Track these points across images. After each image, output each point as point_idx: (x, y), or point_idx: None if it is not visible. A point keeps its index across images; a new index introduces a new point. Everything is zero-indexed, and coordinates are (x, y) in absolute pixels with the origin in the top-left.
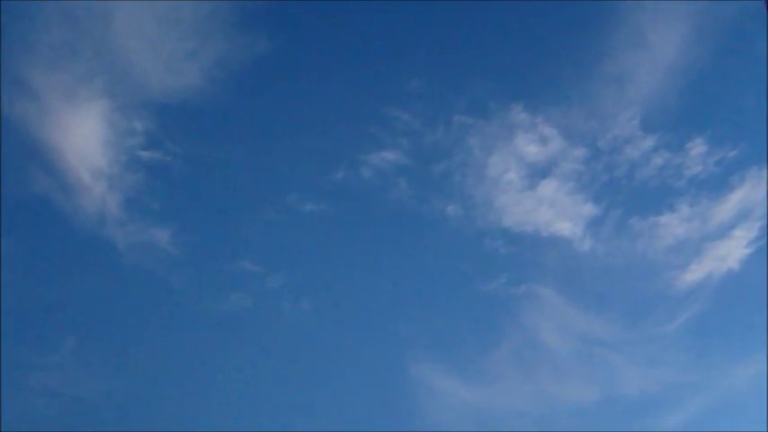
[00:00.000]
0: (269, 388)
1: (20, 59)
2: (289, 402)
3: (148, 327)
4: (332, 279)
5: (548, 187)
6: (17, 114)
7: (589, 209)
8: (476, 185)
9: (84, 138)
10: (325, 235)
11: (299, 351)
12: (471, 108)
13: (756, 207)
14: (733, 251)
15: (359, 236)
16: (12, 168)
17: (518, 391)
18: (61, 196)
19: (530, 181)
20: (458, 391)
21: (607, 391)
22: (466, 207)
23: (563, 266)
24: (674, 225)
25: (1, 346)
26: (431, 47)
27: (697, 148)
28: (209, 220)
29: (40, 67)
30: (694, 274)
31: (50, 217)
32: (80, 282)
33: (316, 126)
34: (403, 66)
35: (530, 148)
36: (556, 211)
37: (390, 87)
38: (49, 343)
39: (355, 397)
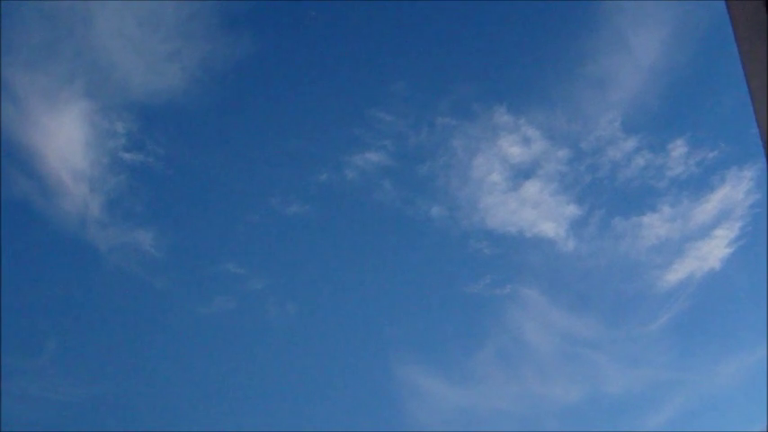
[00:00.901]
0: (253, 390)
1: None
2: (274, 404)
3: (131, 330)
4: (316, 281)
5: (531, 188)
6: None
7: (572, 210)
8: (460, 187)
9: (64, 139)
10: (310, 237)
11: (284, 353)
12: (455, 110)
13: (736, 207)
14: (714, 251)
15: (343, 238)
16: None
17: (503, 392)
18: (42, 199)
19: (513, 182)
20: (443, 391)
21: (591, 391)
22: (450, 208)
23: (547, 267)
24: (656, 225)
25: None
26: (414, 48)
27: (678, 149)
28: (193, 223)
29: (19, 67)
30: (676, 273)
31: (31, 220)
32: (61, 285)
33: (299, 128)
34: (386, 67)
35: (513, 150)
36: (539, 212)
37: (374, 89)
38: (29, 347)
39: (341, 398)
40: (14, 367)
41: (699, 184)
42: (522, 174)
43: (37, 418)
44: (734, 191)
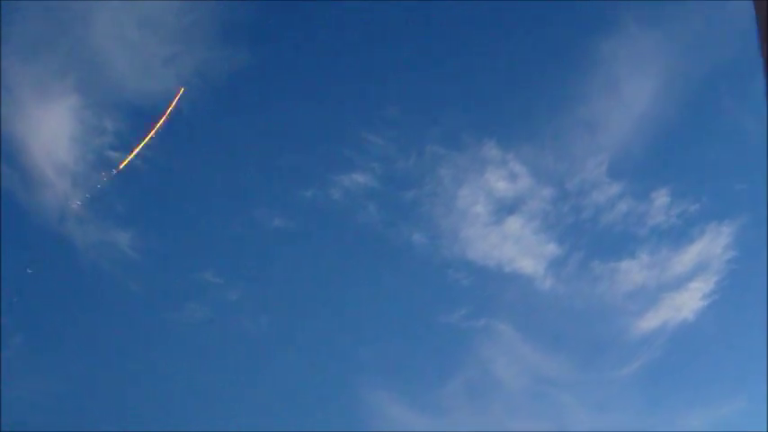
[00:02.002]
0: (217, 400)
1: None
2: (236, 414)
3: (100, 330)
4: (293, 297)
5: (514, 224)
6: None
7: (552, 249)
8: (443, 216)
9: (52, 132)
10: (291, 252)
11: (253, 366)
12: (445, 139)
13: (714, 261)
14: (688, 302)
15: (324, 256)
16: None
17: (469, 424)
18: (23, 189)
19: (497, 216)
20: (409, 418)
21: (556, 431)
22: (432, 236)
23: (522, 303)
24: (633, 272)
25: None
26: (410, 76)
27: (661, 198)
28: (173, 228)
29: (13, 58)
30: (650, 321)
31: (9, 209)
32: (34, 278)
33: (289, 143)
34: (381, 91)
35: (499, 184)
36: (520, 248)
37: (367, 111)
38: None
39: (305, 416)
40: None
41: (678, 235)
42: (505, 208)
43: None
44: (712, 245)
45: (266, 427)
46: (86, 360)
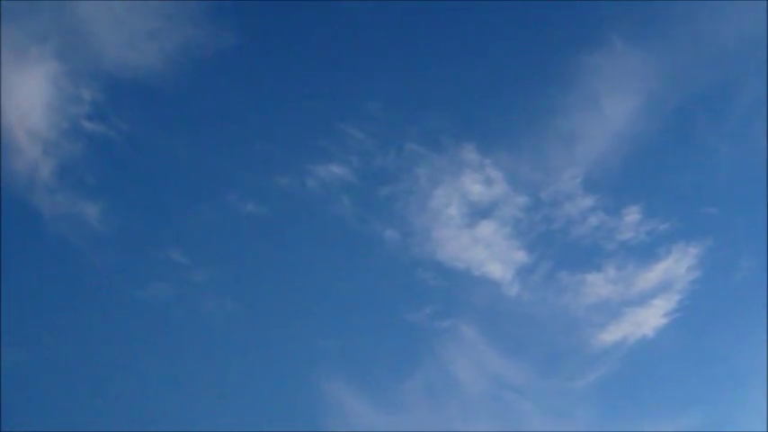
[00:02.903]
0: (173, 380)
1: None
2: (191, 397)
3: (65, 303)
4: (259, 282)
5: (486, 228)
6: None
7: (521, 256)
8: (417, 214)
9: (26, 97)
10: (261, 238)
11: (214, 349)
12: (424, 139)
13: (678, 280)
14: (650, 319)
15: (294, 244)
16: None
17: (426, 423)
18: None
19: (470, 219)
20: (367, 414)
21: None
22: (403, 234)
23: (488, 307)
24: (598, 285)
25: None
26: (394, 72)
27: (631, 215)
28: (143, 204)
29: None
30: (611, 334)
31: None
32: None
33: (268, 128)
34: (365, 85)
35: (475, 188)
36: (490, 253)
37: (348, 103)
38: None
39: (262, 403)
40: None
41: (646, 252)
42: (479, 212)
43: None
44: (677, 264)
45: (221, 414)
46: (48, 331)
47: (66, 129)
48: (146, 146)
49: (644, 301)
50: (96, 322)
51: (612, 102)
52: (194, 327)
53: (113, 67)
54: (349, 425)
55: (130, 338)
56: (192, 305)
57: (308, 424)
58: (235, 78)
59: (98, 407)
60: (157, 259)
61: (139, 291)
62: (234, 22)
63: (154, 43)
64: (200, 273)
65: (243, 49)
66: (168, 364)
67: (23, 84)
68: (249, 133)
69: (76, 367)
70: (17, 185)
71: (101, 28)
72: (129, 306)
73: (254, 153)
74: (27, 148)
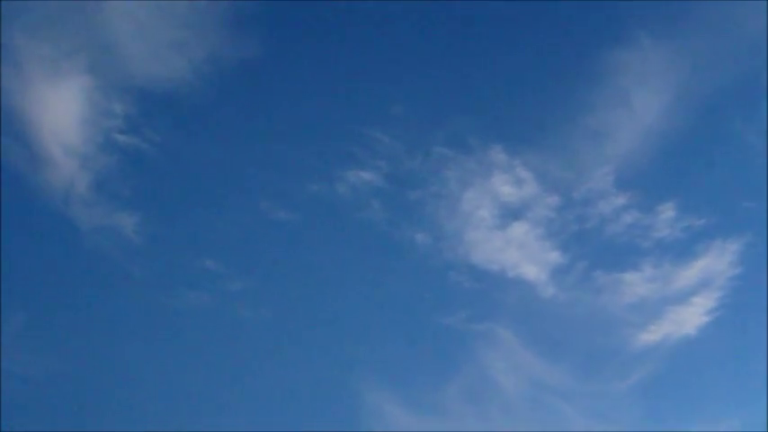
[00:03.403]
0: (213, 390)
1: (4, 24)
2: (232, 407)
3: (102, 312)
4: (294, 290)
5: (518, 229)
6: None
7: (556, 256)
8: (448, 217)
9: (60, 112)
10: (294, 245)
11: (252, 358)
12: (452, 141)
13: (717, 277)
14: (691, 317)
15: (327, 250)
16: None
17: (467, 427)
18: (29, 169)
19: (501, 221)
20: (407, 420)
21: None
22: (435, 238)
23: (524, 309)
24: (636, 284)
25: None
26: (420, 75)
27: (667, 212)
28: (177, 214)
29: (24, 34)
30: (651, 334)
31: (15, 188)
32: (37, 258)
33: (297, 135)
34: (390, 89)
35: (505, 189)
36: (523, 254)
37: (375, 108)
38: None
39: (302, 412)
40: None
41: (683, 249)
42: (510, 213)
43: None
44: (716, 261)
45: (260, 422)
46: (86, 340)
47: (100, 142)
48: (178, 156)
49: (684, 299)
50: (134, 332)
51: (642, 98)
52: (231, 335)
53: (143, 79)
54: (389, 429)
55: (168, 347)
56: (228, 313)
57: (348, 429)
58: (262, 86)
59: (136, 415)
60: (193, 268)
61: (176, 300)
62: (258, 30)
63: (181, 54)
64: (235, 281)
65: (268, 56)
66: (206, 372)
67: (57, 99)
68: (278, 140)
69: (115, 376)
70: (54, 199)
71: (128, 41)
72: (166, 315)
73: (284, 160)
74: (63, 163)
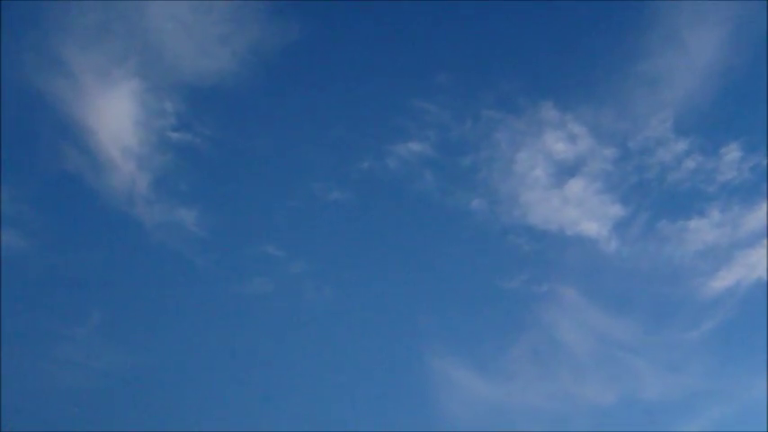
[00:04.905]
0: (287, 371)
1: (55, 38)
2: (305, 387)
3: (172, 305)
4: (354, 268)
5: (575, 186)
6: (52, 92)
7: (616, 210)
8: (502, 181)
9: (115, 117)
10: (349, 224)
11: (320, 337)
12: (500, 103)
13: None
14: (762, 260)
15: (382, 226)
16: (45, 145)
17: (535, 389)
18: (92, 174)
19: (557, 179)
20: (475, 385)
21: (626, 394)
22: (491, 202)
23: (586, 267)
24: (703, 230)
25: (19, 318)
26: (460, 40)
27: (731, 153)
28: (235, 204)
29: (74, 46)
30: (722, 281)
31: (81, 193)
32: (108, 258)
33: (343, 115)
34: (432, 58)
35: (558, 146)
36: (582, 211)
37: (419, 79)
38: (75, 315)
39: (373, 385)
40: (60, 334)
41: (751, 190)
42: (566, 171)
43: (80, 383)
44: None
45: (335, 396)
46: (160, 334)
47: (155, 142)
48: (230, 148)
49: (755, 241)
50: (203, 321)
51: (696, 37)
52: (297, 317)
53: (190, 76)
54: (458, 395)
55: (237, 333)
56: (293, 296)
57: (419, 399)
58: (305, 71)
59: (209, 402)
60: (255, 255)
61: (241, 287)
62: (297, 16)
63: (225, 47)
64: (297, 264)
65: (309, 40)
66: (277, 355)
67: (110, 104)
68: (325, 122)
69: (191, 367)
70: (118, 201)
71: (173, 40)
72: (233, 303)
73: (332, 141)
74: (122, 165)
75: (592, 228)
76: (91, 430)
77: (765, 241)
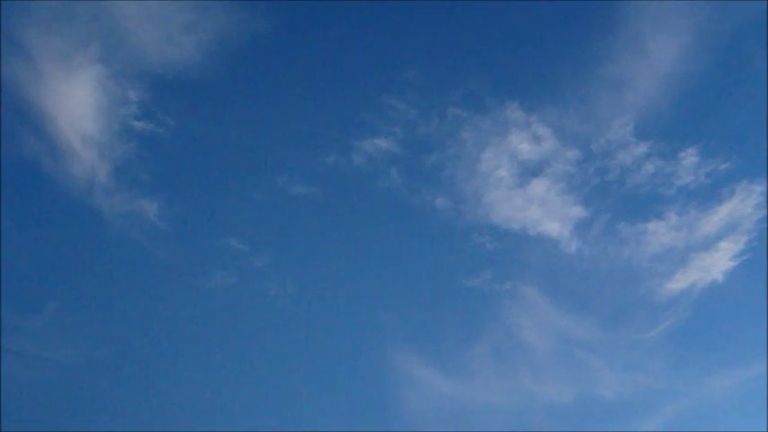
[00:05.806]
0: (247, 365)
1: (16, 21)
2: (265, 380)
3: (131, 297)
4: (318, 262)
5: (538, 186)
6: (11, 76)
7: (578, 211)
8: (466, 179)
9: (76, 103)
10: (314, 218)
11: (281, 331)
12: (467, 102)
13: (744, 221)
14: (718, 263)
15: (347, 221)
16: (2, 130)
17: (496, 387)
18: (51, 161)
19: (521, 179)
20: (437, 382)
21: (584, 393)
22: (455, 200)
23: (548, 266)
24: (661, 233)
25: None
26: (430, 38)
27: (689, 158)
28: (198, 195)
29: (36, 29)
30: (678, 282)
31: (39, 181)
32: (65, 247)
33: (310, 108)
34: (401, 55)
35: (523, 146)
36: (545, 211)
37: (387, 75)
38: (30, 306)
39: (334, 380)
40: (14, 325)
41: (707, 194)
42: (529, 171)
43: (33, 375)
44: (742, 204)
45: (293, 392)
46: (118, 326)
47: (117, 130)
48: (193, 138)
49: (710, 245)
50: (164, 313)
51: (659, 42)
52: (259, 310)
53: (155, 64)
54: (419, 392)
55: (198, 326)
56: (255, 290)
57: (380, 395)
58: (272, 63)
59: (171, 395)
60: (217, 248)
61: (203, 280)
62: (266, 7)
63: (191, 37)
64: (260, 258)
65: (277, 32)
66: (237, 347)
67: (71, 91)
68: (291, 115)
69: (147, 358)
70: (77, 189)
71: (138, 27)
72: (194, 295)
73: (297, 134)
74: (83, 153)
75: (554, 228)
76: (45, 422)
77: (720, 244)
